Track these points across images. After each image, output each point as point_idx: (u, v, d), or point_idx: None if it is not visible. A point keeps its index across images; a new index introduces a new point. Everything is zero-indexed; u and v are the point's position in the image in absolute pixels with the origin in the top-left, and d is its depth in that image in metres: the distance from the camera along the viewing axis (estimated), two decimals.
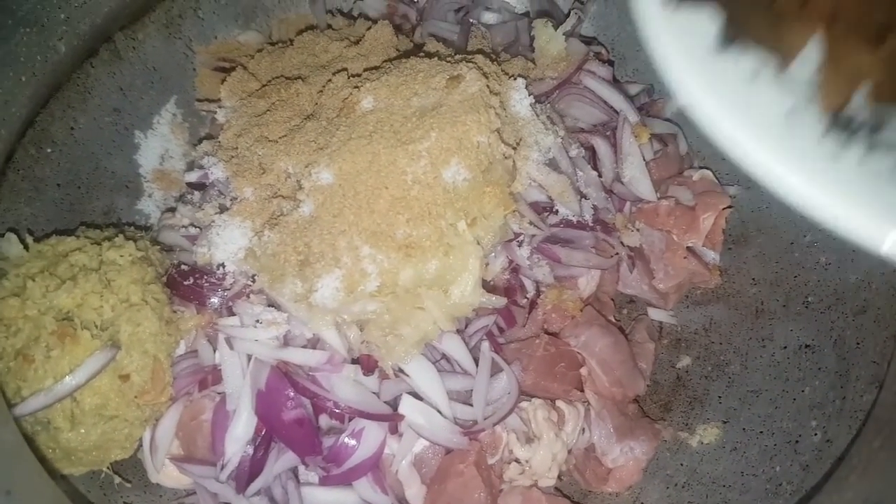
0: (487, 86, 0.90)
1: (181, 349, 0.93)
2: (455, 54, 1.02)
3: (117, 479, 0.90)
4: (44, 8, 0.96)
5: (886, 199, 0.52)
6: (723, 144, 0.53)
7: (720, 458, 0.98)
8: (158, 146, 1.16)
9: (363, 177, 0.85)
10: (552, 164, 1.00)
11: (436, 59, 0.93)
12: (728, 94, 0.56)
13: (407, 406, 0.89)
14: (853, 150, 0.53)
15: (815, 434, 0.90)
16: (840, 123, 0.54)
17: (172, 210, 1.07)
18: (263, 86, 1.01)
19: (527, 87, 0.99)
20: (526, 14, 1.28)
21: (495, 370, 0.96)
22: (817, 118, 0.54)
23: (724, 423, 1.01)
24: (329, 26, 1.21)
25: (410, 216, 0.84)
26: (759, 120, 0.55)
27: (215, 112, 1.07)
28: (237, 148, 0.96)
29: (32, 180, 1.03)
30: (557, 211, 1.07)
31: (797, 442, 0.91)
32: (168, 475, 0.91)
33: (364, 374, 0.91)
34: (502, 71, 1.00)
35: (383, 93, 0.89)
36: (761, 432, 0.96)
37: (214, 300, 0.93)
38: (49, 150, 1.05)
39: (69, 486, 0.85)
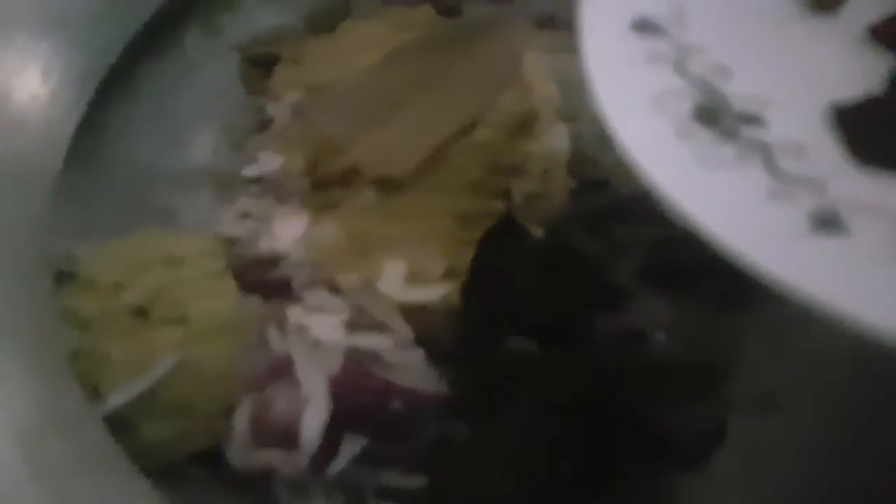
0: None
1: (250, 341, 0.94)
2: None
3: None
4: None
5: None
6: None
7: None
8: (212, 141, 1.16)
9: None
10: None
11: None
12: None
13: None
14: None
15: None
16: None
17: (231, 204, 1.07)
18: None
19: None
20: None
21: None
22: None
23: None
24: None
25: None
26: None
27: (266, 107, 1.08)
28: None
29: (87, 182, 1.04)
30: None
31: None
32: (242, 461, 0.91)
33: None
34: None
35: None
36: None
37: (279, 290, 0.93)
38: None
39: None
